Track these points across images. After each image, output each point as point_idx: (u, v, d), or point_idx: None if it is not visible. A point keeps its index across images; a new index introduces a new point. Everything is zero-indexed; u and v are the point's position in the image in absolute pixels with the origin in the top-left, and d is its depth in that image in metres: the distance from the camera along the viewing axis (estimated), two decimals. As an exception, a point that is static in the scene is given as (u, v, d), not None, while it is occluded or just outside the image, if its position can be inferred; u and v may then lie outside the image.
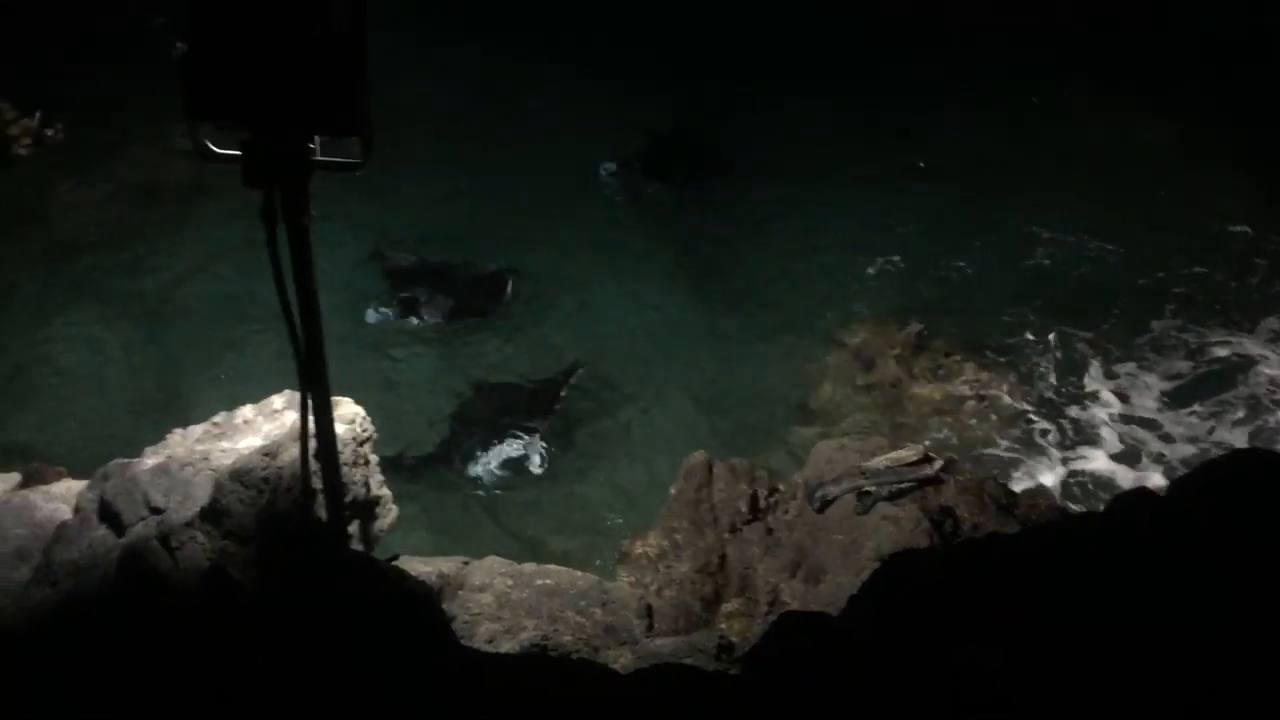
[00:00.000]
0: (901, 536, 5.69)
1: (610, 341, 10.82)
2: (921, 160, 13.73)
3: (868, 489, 6.11)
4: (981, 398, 9.93)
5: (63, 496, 5.60)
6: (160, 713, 3.03)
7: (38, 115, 12.89)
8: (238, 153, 2.99)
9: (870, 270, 11.79)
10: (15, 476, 6.39)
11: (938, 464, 6.27)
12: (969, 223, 12.58)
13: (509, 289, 11.39)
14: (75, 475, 6.10)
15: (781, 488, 6.76)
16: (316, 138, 3.04)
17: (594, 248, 12.27)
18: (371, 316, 11.03)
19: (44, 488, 5.84)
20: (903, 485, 6.11)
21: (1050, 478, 9.23)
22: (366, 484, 5.19)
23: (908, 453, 6.39)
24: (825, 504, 6.24)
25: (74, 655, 3.88)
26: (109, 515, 5.03)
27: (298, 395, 4.87)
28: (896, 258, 11.97)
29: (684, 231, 12.52)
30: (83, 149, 13.13)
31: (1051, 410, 9.93)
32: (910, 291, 11.51)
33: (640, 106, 14.63)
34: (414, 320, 11.04)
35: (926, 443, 8.34)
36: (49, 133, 12.99)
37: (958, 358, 10.44)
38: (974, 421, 9.69)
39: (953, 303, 11.37)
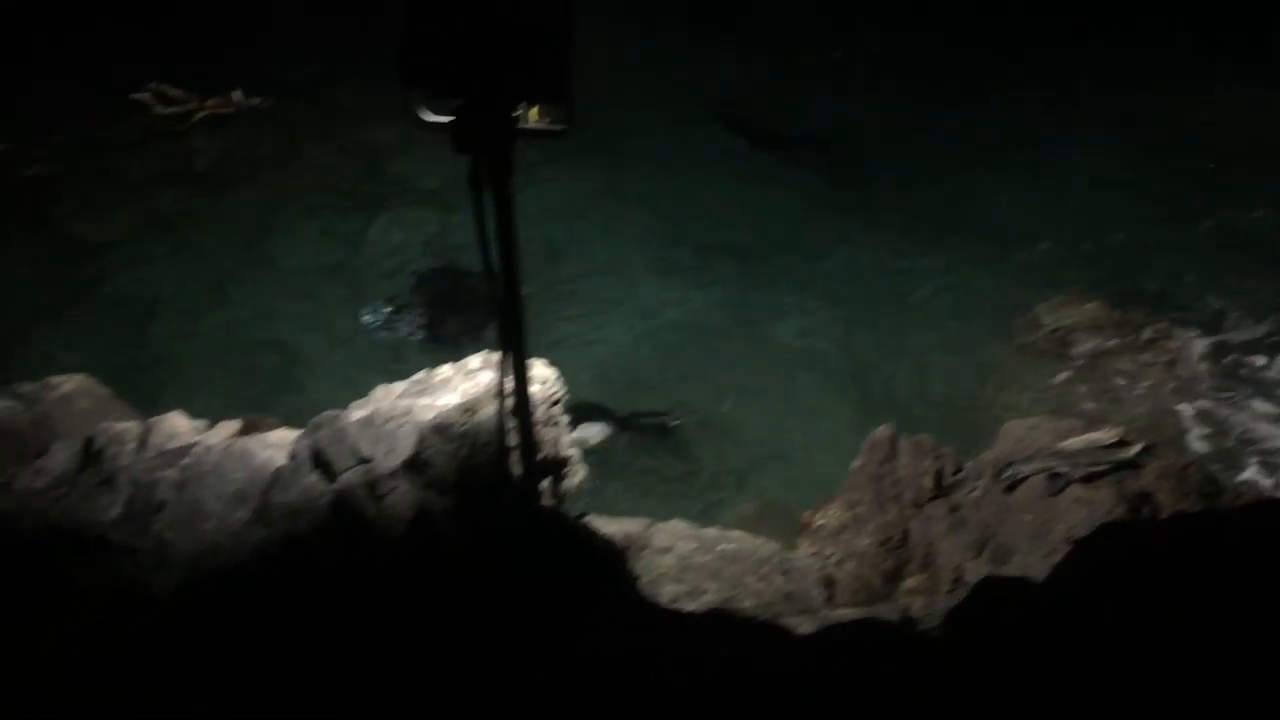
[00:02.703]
0: (1095, 520, 5.50)
1: (789, 313, 10.77)
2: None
3: (1060, 470, 5.93)
4: (1185, 375, 9.41)
5: (277, 444, 5.94)
6: (373, 653, 3.24)
7: (238, 91, 13.42)
8: (448, 120, 3.10)
9: (1047, 241, 11.39)
10: (235, 424, 6.80)
11: (1136, 447, 6.02)
12: (1143, 192, 12.09)
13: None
14: (289, 425, 6.45)
15: (968, 465, 6.63)
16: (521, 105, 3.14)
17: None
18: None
19: (260, 436, 6.19)
20: (1097, 468, 5.89)
21: (1258, 463, 8.67)
22: (557, 443, 5.36)
23: (1104, 434, 6.16)
24: (1014, 484, 6.09)
25: (293, 593, 4.17)
26: (320, 463, 5.34)
27: (494, 356, 5.09)
28: (1075, 227, 11.58)
29: (843, 209, 12.38)
30: (294, 115, 13.75)
31: (1263, 388, 9.31)
32: (1095, 263, 11.08)
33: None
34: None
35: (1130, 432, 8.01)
36: (256, 101, 13.47)
37: (1154, 331, 9.92)
38: (1176, 400, 9.19)
39: (1139, 274, 10.89)
